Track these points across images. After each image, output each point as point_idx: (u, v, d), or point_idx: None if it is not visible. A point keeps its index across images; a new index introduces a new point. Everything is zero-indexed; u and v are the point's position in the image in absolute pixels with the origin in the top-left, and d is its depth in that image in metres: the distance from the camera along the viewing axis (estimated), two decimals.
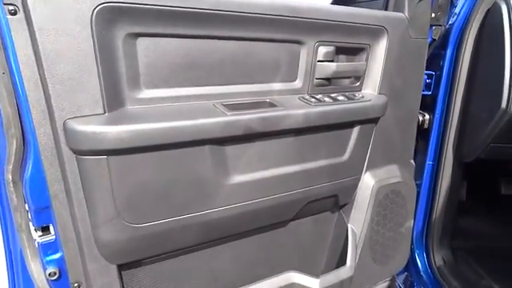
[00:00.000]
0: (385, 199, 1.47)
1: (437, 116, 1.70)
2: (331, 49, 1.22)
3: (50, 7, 0.79)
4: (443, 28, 1.56)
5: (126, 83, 0.93)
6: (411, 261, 1.86)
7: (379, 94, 1.35)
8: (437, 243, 1.82)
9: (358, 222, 1.44)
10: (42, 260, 1.01)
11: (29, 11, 0.78)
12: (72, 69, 0.84)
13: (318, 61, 1.21)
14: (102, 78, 0.87)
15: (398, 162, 1.51)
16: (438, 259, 1.83)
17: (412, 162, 1.59)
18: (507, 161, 1.75)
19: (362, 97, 1.28)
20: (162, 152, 0.95)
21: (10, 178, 0.93)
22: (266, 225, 1.32)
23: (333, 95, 1.25)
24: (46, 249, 1.00)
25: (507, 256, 1.91)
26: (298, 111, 1.11)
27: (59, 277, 1.02)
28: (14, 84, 0.86)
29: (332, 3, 1.47)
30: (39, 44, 0.79)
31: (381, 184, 1.43)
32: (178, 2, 0.92)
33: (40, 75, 0.84)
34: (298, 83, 1.21)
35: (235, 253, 1.32)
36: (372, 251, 1.49)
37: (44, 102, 0.86)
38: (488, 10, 1.49)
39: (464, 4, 1.54)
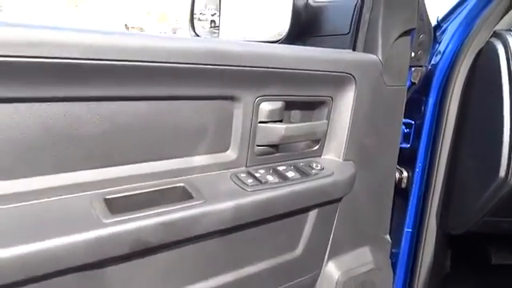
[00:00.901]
0: None
1: (417, 174, 1.37)
2: (278, 105, 0.87)
3: None
4: (424, 69, 1.25)
5: None
6: None
7: (345, 160, 1.01)
8: None
9: None
10: None
11: None
12: None
13: (260, 122, 0.87)
14: None
15: (369, 242, 1.17)
16: None
17: (387, 237, 1.26)
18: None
19: (322, 169, 0.93)
20: None
21: None
22: None
23: (280, 169, 0.89)
24: None
25: None
26: (225, 204, 0.75)
27: None
28: None
29: (283, 41, 1.13)
30: None
31: (348, 276, 1.09)
32: (33, 51, 0.55)
33: None
34: (230, 154, 0.86)
35: None
36: None
37: None
38: (480, 49, 1.19)
39: (450, 41, 1.23)
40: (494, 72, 1.14)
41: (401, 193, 1.41)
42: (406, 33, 1.02)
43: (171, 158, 0.78)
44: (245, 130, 0.85)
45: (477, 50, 1.19)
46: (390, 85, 1.04)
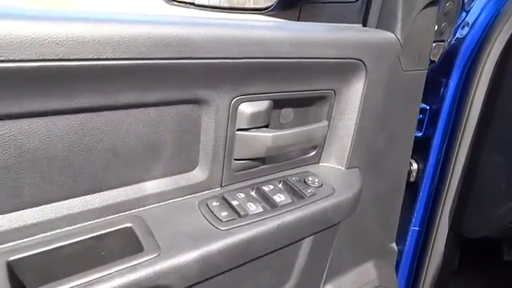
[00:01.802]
0: None
1: (429, 166, 1.16)
2: (263, 106, 0.64)
3: None
4: (446, 44, 1.01)
5: None
6: None
7: (349, 168, 0.79)
8: None
9: None
10: None
11: None
12: None
13: (239, 129, 0.64)
14: None
15: (374, 256, 0.99)
16: None
17: (394, 246, 1.08)
18: None
19: (321, 185, 0.72)
20: None
21: None
22: None
23: (266, 189, 0.68)
24: None
25: None
26: (189, 256, 0.54)
27: None
28: None
29: (272, 9, 0.87)
30: None
31: None
32: None
33: None
34: (198, 174, 0.64)
35: None
36: None
37: None
38: None
39: (482, 10, 0.97)
40: None
41: (409, 186, 1.21)
42: (433, 2, 0.77)
43: (114, 187, 0.56)
44: (218, 142, 0.63)
45: None
46: (408, 69, 0.81)
